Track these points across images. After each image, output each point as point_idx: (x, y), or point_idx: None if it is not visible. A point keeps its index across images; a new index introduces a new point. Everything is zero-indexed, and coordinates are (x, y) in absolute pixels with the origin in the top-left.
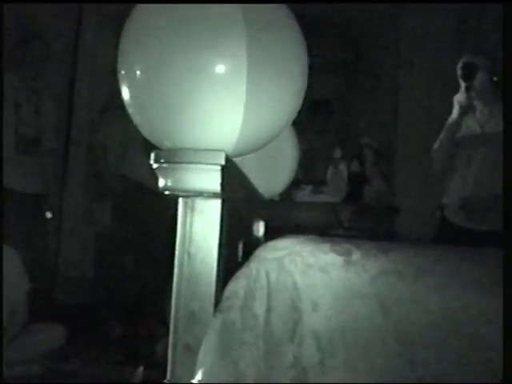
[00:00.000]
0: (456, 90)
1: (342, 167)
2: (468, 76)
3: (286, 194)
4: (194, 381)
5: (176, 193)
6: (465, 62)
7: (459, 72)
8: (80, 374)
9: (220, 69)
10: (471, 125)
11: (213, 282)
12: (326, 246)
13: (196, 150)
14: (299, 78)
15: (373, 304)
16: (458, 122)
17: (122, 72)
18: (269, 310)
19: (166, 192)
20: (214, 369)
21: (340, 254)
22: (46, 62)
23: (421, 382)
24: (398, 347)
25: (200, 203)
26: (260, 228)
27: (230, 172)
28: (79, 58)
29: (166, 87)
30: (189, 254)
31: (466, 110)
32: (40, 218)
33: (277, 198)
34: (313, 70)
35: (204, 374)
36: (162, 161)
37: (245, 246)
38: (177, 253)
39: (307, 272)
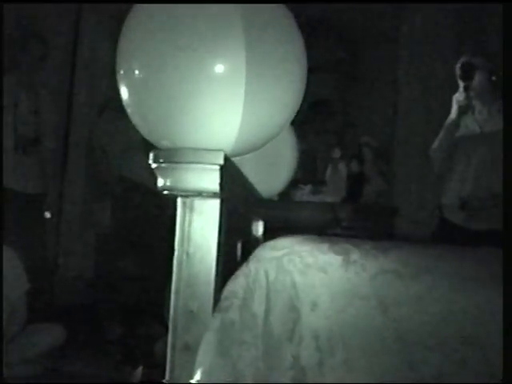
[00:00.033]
0: (455, 90)
1: (341, 167)
2: (467, 76)
3: (285, 194)
4: (192, 381)
5: (175, 192)
6: (463, 61)
7: (458, 72)
8: (79, 373)
9: (219, 69)
10: (470, 124)
11: (212, 282)
12: (325, 246)
13: (195, 150)
14: (298, 77)
15: (372, 304)
16: (456, 122)
17: (121, 72)
18: (268, 309)
19: (165, 192)
20: (213, 368)
21: (339, 254)
22: (44, 61)
23: (420, 382)
24: (397, 347)
25: (199, 203)
26: (259, 228)
27: (229, 172)
28: (78, 58)
29: (164, 87)
30: (188, 253)
31: (464, 109)
32: (39, 217)
33: (276, 198)
34: (312, 70)
35: (203, 373)
36: (161, 160)
37: (244, 245)
38: (176, 252)
39: (306, 272)
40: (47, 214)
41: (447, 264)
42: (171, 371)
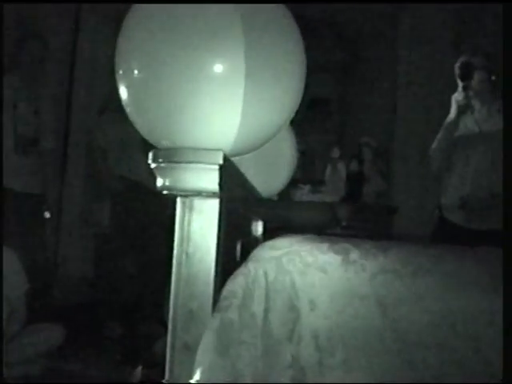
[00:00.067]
0: (454, 90)
1: (341, 166)
2: (466, 75)
3: (285, 194)
4: (192, 380)
5: (174, 192)
6: (462, 61)
7: (457, 71)
8: (79, 373)
9: (218, 68)
10: (469, 124)
11: (211, 282)
12: (325, 246)
13: (194, 150)
14: (297, 77)
15: (371, 303)
16: (455, 122)
17: (120, 72)
18: (267, 309)
19: (164, 191)
20: (213, 368)
21: (338, 254)
22: (44, 62)
23: (420, 382)
24: (396, 347)
25: (198, 203)
26: (258, 227)
27: (228, 171)
28: (78, 58)
29: (163, 87)
30: (187, 253)
31: (463, 109)
32: (39, 217)
33: (275, 198)
34: (312, 70)
35: (202, 373)
36: (160, 160)
37: (243, 245)
38: (175, 252)
39: (305, 271)
40: (47, 214)
41: (447, 264)
42: (171, 371)
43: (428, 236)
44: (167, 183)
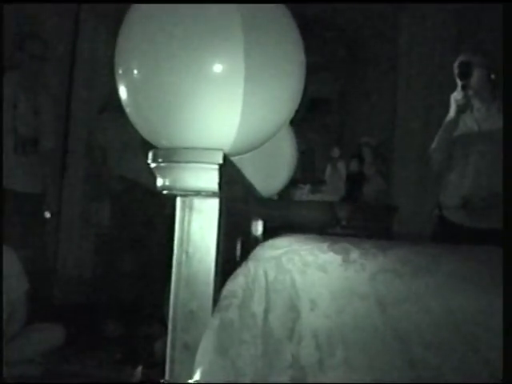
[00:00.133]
0: (454, 89)
1: (341, 166)
2: (465, 74)
3: (285, 193)
4: (192, 380)
5: (174, 192)
6: (461, 60)
7: (456, 70)
8: (79, 373)
9: (218, 68)
10: (469, 123)
11: (211, 281)
12: (325, 245)
13: (194, 149)
14: (297, 77)
15: (371, 303)
16: (455, 121)
17: (120, 72)
18: (267, 309)
19: (164, 191)
20: (213, 368)
21: (338, 253)
22: (44, 61)
23: (420, 382)
24: (396, 346)
25: (198, 202)
26: (258, 227)
27: (228, 171)
28: (77, 58)
29: (163, 86)
30: (187, 253)
31: (463, 108)
32: (39, 217)
33: (275, 197)
34: (312, 70)
35: (202, 373)
36: (160, 160)
37: (243, 245)
38: (175, 252)
39: (305, 271)
40: (47, 214)
41: (447, 263)
42: (171, 371)
43: (428, 235)
44: (167, 183)
